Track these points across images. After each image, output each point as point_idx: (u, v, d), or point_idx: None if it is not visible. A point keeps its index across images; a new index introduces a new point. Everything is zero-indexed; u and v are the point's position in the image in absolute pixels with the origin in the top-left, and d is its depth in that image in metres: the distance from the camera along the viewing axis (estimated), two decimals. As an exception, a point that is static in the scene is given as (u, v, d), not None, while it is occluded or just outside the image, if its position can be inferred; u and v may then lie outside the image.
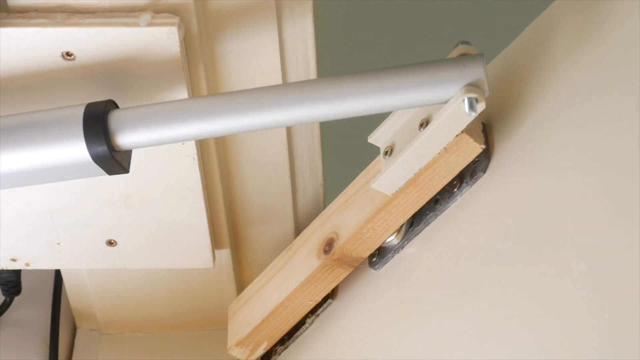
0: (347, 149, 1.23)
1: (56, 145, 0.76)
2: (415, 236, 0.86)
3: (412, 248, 0.86)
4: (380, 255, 0.89)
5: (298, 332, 0.97)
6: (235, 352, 0.98)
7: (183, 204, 0.93)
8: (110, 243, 0.96)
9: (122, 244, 0.96)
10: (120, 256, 0.97)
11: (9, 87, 0.84)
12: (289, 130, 0.96)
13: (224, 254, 1.04)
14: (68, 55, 0.82)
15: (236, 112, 0.76)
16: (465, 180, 0.82)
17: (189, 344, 1.11)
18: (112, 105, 0.79)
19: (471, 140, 0.79)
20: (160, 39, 0.81)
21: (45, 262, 0.97)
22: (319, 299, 0.93)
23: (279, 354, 0.99)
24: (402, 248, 0.87)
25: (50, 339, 1.08)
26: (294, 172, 0.99)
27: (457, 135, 0.78)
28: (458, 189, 0.82)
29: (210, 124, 0.77)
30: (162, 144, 0.78)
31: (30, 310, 1.11)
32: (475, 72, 0.75)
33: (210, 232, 0.96)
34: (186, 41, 0.84)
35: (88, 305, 1.11)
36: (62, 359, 1.09)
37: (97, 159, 0.76)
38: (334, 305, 0.95)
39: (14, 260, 0.97)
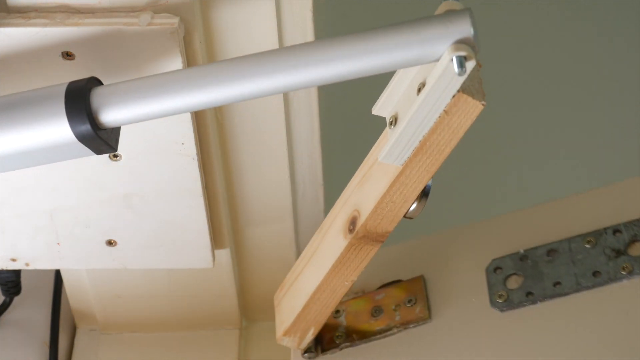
0: (347, 149, 1.23)
1: (40, 126, 0.75)
2: (558, 297, 0.86)
3: (549, 308, 0.86)
4: (510, 299, 0.89)
5: (377, 336, 0.95)
6: (285, 341, 0.95)
7: (183, 203, 0.93)
8: (110, 243, 0.96)
9: (122, 244, 0.96)
10: (120, 256, 0.97)
11: (9, 87, 0.84)
12: (288, 130, 0.96)
13: (224, 254, 1.04)
14: (68, 55, 0.82)
15: (225, 80, 0.74)
16: (638, 268, 0.83)
17: (189, 344, 1.11)
18: (95, 82, 0.77)
19: (469, 98, 0.76)
20: (160, 39, 0.81)
21: (45, 262, 0.97)
22: (354, 278, 0.90)
23: (341, 350, 0.96)
24: (540, 302, 0.87)
25: (50, 339, 1.08)
26: (294, 172, 0.99)
27: (454, 96, 0.76)
28: (628, 272, 0.83)
29: (198, 94, 0.74)
30: (149, 119, 0.76)
31: (30, 310, 1.11)
32: (462, 28, 0.72)
33: (210, 232, 0.96)
34: (186, 41, 0.84)
35: (88, 305, 1.11)
36: (62, 359, 1.09)
37: (82, 138, 0.75)
38: (431, 327, 0.93)
39: (13, 260, 0.97)
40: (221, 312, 1.09)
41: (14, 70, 0.83)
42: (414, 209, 0.85)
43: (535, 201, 0.97)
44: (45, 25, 0.81)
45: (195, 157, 0.90)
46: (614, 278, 0.84)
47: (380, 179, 0.85)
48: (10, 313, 1.10)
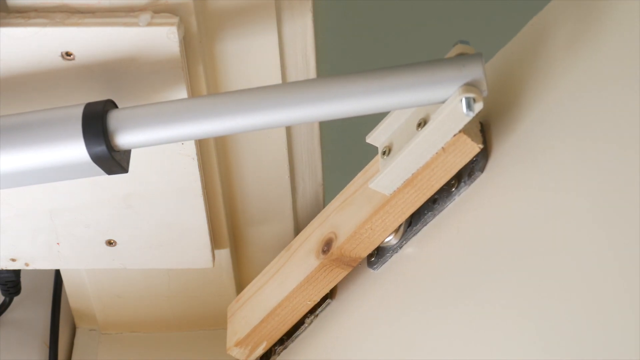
0: (347, 149, 1.23)
1: (55, 146, 0.76)
2: (413, 235, 0.86)
3: (411, 248, 0.86)
4: (378, 255, 0.89)
5: (297, 332, 0.97)
6: (235, 352, 0.98)
7: (183, 203, 0.93)
8: (110, 243, 0.96)
9: (122, 244, 0.96)
10: (119, 256, 0.97)
11: (9, 87, 0.84)
12: (288, 130, 0.96)
13: (224, 254, 1.04)
14: (68, 55, 0.82)
15: (235, 112, 0.76)
16: (463, 180, 0.82)
17: (189, 344, 1.11)
18: (111, 104, 0.79)
19: (469, 140, 0.78)
20: (159, 38, 0.81)
21: (45, 262, 0.97)
22: (317, 298, 0.93)
23: (278, 354, 0.99)
24: (400, 248, 0.87)
25: (50, 339, 1.08)
26: (293, 172, 0.99)
27: (454, 135, 0.78)
28: (456, 188, 0.82)
29: (210, 124, 0.77)
30: (162, 144, 0.78)
31: (30, 310, 1.11)
32: (474, 71, 0.75)
33: (210, 232, 0.96)
34: (186, 41, 0.84)
35: (87, 305, 1.11)
36: (62, 359, 1.09)
37: (96, 159, 0.76)
38: (333, 305, 0.95)
39: (13, 260, 0.97)
40: (221, 312, 1.09)
41: (14, 70, 0.83)
42: (389, 240, 0.87)
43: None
44: (45, 25, 0.81)
45: (195, 157, 0.90)
46: (447, 200, 0.83)
47: (363, 205, 0.86)
48: (10, 313, 1.10)
